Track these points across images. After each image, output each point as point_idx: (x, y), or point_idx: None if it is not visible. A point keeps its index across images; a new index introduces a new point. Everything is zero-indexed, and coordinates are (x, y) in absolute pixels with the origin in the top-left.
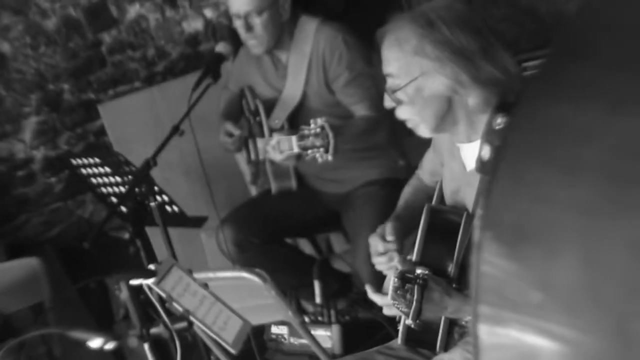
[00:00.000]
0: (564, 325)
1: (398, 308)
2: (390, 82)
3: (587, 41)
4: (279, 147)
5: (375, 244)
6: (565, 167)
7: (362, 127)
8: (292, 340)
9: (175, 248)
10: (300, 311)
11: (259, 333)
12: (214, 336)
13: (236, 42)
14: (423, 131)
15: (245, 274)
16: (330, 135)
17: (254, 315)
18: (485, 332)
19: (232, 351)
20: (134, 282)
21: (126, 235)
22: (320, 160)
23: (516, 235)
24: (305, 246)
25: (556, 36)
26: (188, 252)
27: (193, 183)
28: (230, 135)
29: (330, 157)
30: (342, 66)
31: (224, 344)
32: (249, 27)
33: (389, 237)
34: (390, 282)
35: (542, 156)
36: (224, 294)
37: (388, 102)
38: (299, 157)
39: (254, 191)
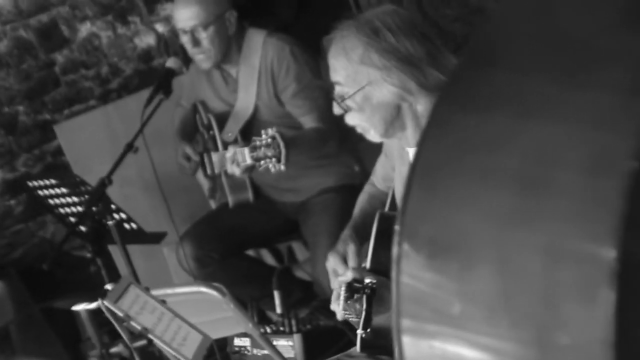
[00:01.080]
0: (484, 335)
1: (349, 317)
2: (338, 90)
3: (494, 49)
4: (233, 160)
5: (334, 264)
6: (477, 177)
7: (313, 138)
8: (255, 351)
9: (138, 264)
10: (266, 322)
11: (224, 346)
12: (173, 353)
13: (188, 56)
14: (373, 136)
15: (203, 289)
16: (282, 144)
17: (215, 329)
18: (409, 345)
19: None
20: (77, 307)
21: (88, 254)
22: (273, 170)
23: (433, 247)
24: (268, 256)
25: (466, 45)
26: (152, 268)
27: (152, 198)
28: (189, 159)
29: (282, 167)
30: (290, 78)
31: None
32: (195, 42)
33: (352, 264)
34: (341, 292)
35: (454, 167)
36: (183, 309)
37: (337, 109)
38: (252, 168)
39: (213, 205)
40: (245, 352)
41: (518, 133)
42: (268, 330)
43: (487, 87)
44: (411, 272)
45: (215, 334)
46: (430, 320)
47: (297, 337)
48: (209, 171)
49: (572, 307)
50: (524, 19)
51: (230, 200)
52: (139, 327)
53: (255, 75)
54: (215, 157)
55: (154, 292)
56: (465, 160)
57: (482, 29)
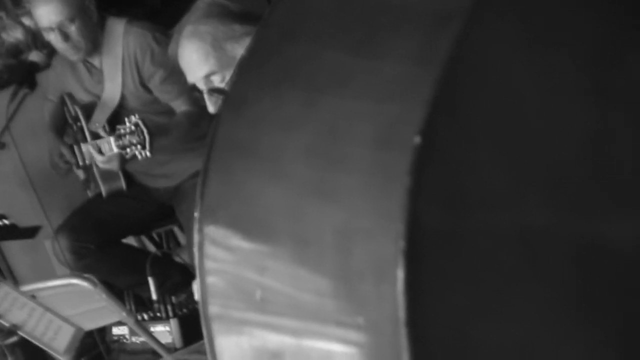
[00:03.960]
0: (287, 317)
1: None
2: (214, 79)
3: (292, 23)
4: (99, 150)
5: None
6: (273, 155)
7: (182, 121)
8: (133, 339)
9: (21, 259)
10: (143, 309)
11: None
12: (44, 347)
13: (53, 50)
14: None
15: (74, 280)
16: (145, 131)
17: (90, 320)
18: (219, 332)
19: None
20: None
21: None
22: (140, 157)
23: (234, 228)
24: (150, 243)
25: (259, 25)
26: (36, 262)
27: (30, 193)
28: (61, 155)
29: (148, 153)
30: (156, 65)
31: (54, 354)
32: (65, 37)
33: None
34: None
35: (251, 147)
36: (56, 302)
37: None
38: (122, 157)
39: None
40: (124, 340)
41: (311, 109)
42: (145, 317)
43: (282, 63)
44: (213, 258)
45: (90, 325)
46: (236, 305)
47: (174, 322)
48: (80, 163)
49: (366, 286)
50: None
51: (104, 190)
52: (7, 325)
53: (119, 64)
54: (84, 148)
55: (25, 288)
56: (261, 139)
57: (281, 2)
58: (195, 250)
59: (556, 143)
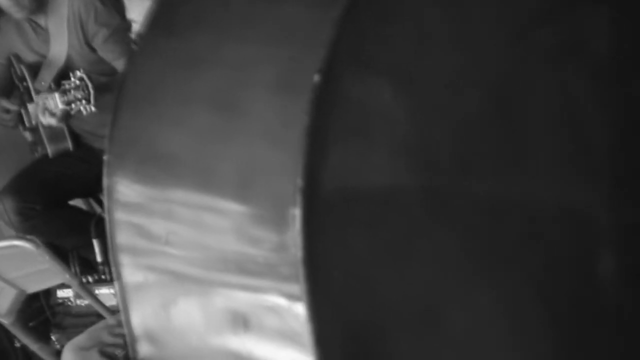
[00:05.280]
0: (192, 262)
1: None
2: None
3: None
4: (45, 107)
5: None
6: (180, 98)
7: None
8: (78, 302)
9: None
10: (88, 271)
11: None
12: None
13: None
14: None
15: (17, 242)
16: (90, 85)
17: (34, 282)
18: (129, 275)
19: (5, 321)
20: None
21: None
22: (85, 112)
23: (140, 174)
24: (97, 206)
25: None
26: None
27: None
28: (7, 111)
29: (93, 108)
30: (99, 23)
31: None
32: None
33: None
34: None
35: (159, 90)
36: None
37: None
38: (67, 114)
39: None
40: (69, 303)
41: (216, 53)
42: (90, 279)
43: (192, 9)
44: (123, 199)
45: (35, 287)
46: (144, 246)
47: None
48: (27, 124)
49: (266, 226)
50: None
51: (50, 151)
52: None
53: (65, 24)
54: (31, 108)
55: None
56: (168, 83)
57: None
58: (105, 194)
59: (463, 96)
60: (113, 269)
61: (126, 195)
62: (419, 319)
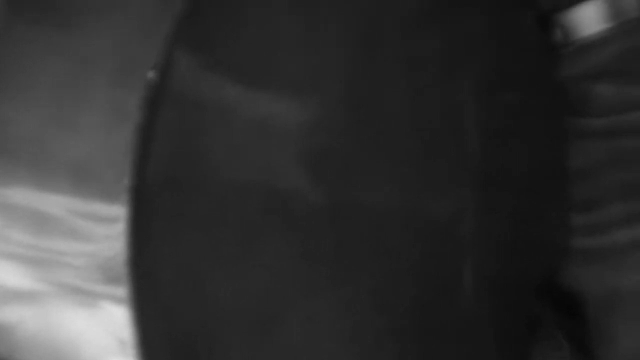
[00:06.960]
0: (24, 247)
1: None
2: None
3: None
4: None
5: None
6: (26, 84)
7: None
8: None
9: None
10: None
11: None
12: None
13: None
14: None
15: None
16: None
17: None
18: None
19: None
20: None
21: None
22: None
23: None
24: None
25: None
26: None
27: None
28: None
29: None
30: None
31: None
32: None
33: None
34: None
35: (8, 75)
36: None
37: None
38: None
39: None
40: None
41: (66, 38)
42: None
43: None
44: None
45: None
46: None
47: None
48: None
49: (94, 228)
50: None
51: None
52: None
53: None
54: None
55: None
56: (17, 64)
57: None
58: None
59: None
60: None
61: None
62: (253, 328)
